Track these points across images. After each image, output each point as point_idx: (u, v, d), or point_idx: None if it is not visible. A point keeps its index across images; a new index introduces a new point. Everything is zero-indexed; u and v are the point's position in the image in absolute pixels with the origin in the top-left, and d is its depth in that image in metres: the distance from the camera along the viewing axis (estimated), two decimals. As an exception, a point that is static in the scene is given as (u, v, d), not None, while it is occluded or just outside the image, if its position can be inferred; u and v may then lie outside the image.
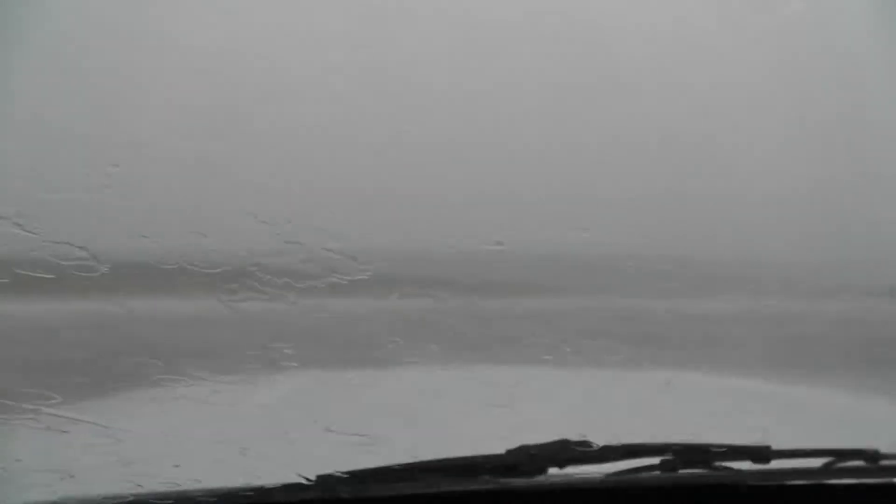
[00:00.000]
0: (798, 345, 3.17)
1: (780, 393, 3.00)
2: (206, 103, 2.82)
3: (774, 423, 2.45)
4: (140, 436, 2.19)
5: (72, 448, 2.11)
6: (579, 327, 2.91)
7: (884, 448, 2.22)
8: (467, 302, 2.73)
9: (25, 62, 2.67)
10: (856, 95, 3.27)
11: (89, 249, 2.23)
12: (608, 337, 2.82)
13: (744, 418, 2.55)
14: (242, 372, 2.39)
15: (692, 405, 2.74)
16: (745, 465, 2.16)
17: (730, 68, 3.21)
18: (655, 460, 2.13)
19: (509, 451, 2.08)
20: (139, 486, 1.98)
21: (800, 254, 2.98)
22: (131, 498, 1.94)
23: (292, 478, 1.99)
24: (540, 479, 2.08)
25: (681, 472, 2.14)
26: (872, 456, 2.22)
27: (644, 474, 2.13)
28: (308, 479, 1.99)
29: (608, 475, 2.10)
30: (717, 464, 2.16)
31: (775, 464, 2.16)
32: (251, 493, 1.99)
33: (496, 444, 2.09)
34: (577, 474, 2.10)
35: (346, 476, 2.00)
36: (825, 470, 2.20)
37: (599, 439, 2.12)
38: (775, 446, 2.17)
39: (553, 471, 2.09)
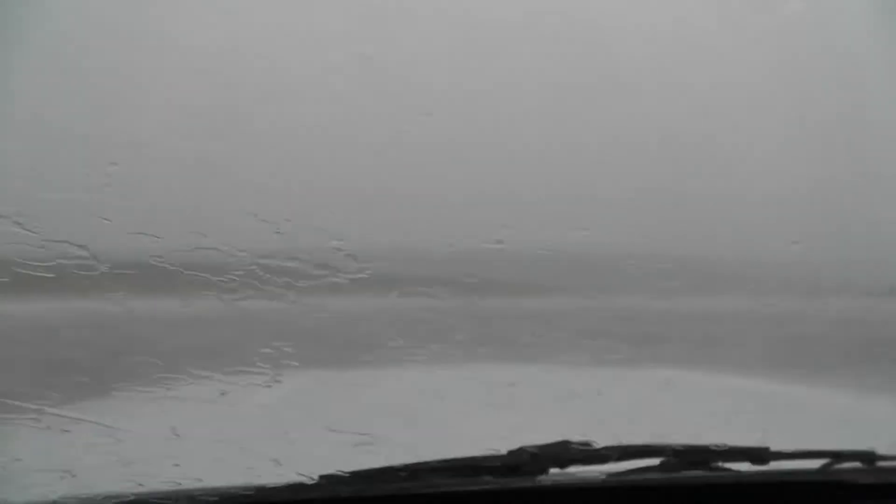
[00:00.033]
0: (798, 344, 3.17)
1: (780, 392, 3.00)
2: (206, 103, 2.82)
3: (774, 423, 2.46)
4: (141, 435, 2.19)
5: (73, 447, 2.11)
6: (579, 327, 2.91)
7: (883, 448, 2.23)
8: (467, 301, 2.73)
9: (25, 62, 2.67)
10: (856, 95, 3.27)
11: (89, 248, 2.23)
12: (608, 336, 2.82)
13: (744, 418, 2.55)
14: (243, 371, 2.39)
15: (692, 405, 2.74)
16: (745, 466, 2.16)
17: (730, 68, 3.21)
18: (655, 461, 2.14)
19: (510, 452, 2.08)
20: (140, 485, 1.98)
21: (800, 253, 2.97)
22: (132, 497, 1.94)
23: (293, 477, 1.99)
24: (541, 479, 2.08)
25: (681, 473, 2.15)
26: (870, 457, 2.23)
27: (644, 475, 2.14)
28: (309, 478, 1.99)
29: (608, 476, 2.10)
30: (717, 464, 2.17)
31: (774, 465, 2.16)
32: (252, 493, 1.99)
33: (497, 443, 2.09)
34: (578, 475, 2.11)
35: (347, 476, 2.00)
36: (823, 471, 2.20)
37: (600, 439, 2.12)
38: (774, 447, 2.17)
39: (554, 471, 2.09)
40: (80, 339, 2.64)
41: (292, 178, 2.73)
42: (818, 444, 2.23)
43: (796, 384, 3.09)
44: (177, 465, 2.06)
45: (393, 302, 2.65)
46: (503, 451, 2.08)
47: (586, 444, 2.11)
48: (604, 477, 2.10)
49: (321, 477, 2.00)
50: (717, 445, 2.16)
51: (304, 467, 2.01)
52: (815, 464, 2.19)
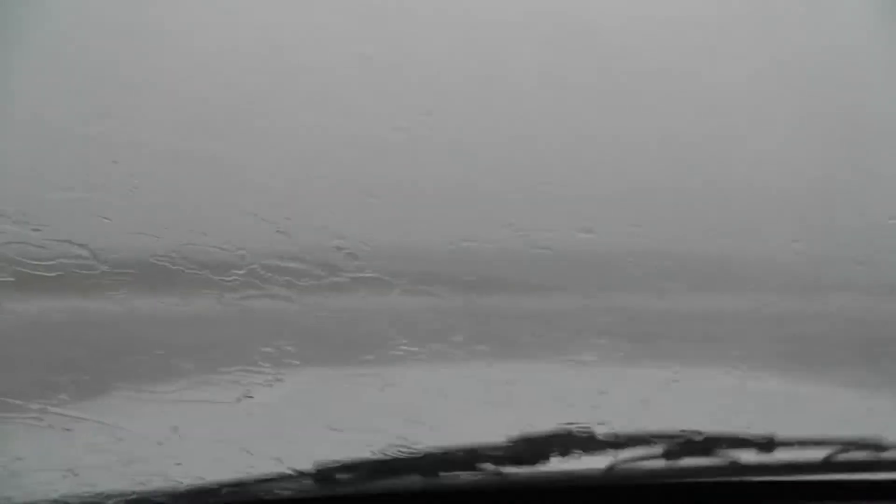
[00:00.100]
0: (799, 343, 3.17)
1: (781, 391, 3.00)
2: (207, 102, 2.82)
3: (775, 422, 2.45)
4: (142, 434, 2.19)
5: (74, 446, 2.12)
6: (580, 325, 2.91)
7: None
8: (467, 300, 2.74)
9: (25, 62, 2.67)
10: (858, 94, 3.28)
11: (90, 248, 2.23)
12: (609, 335, 2.82)
13: (745, 417, 2.54)
14: (244, 370, 2.39)
15: (694, 404, 2.73)
16: (749, 455, 2.16)
17: (731, 67, 3.22)
18: (658, 449, 2.13)
19: (511, 440, 2.08)
20: (141, 483, 1.98)
21: (800, 252, 2.98)
22: (134, 496, 1.94)
23: (292, 473, 1.99)
24: (543, 468, 2.08)
25: (684, 460, 2.14)
26: (875, 446, 2.22)
27: (646, 464, 2.13)
28: (308, 474, 1.99)
29: (610, 466, 2.10)
30: (721, 452, 2.16)
31: (779, 454, 2.16)
32: (252, 492, 1.99)
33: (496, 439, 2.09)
34: (579, 467, 2.10)
35: (345, 468, 2.00)
36: (828, 461, 2.20)
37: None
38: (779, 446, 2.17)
39: (555, 459, 2.09)
40: (81, 338, 2.63)
41: (293, 177, 2.74)
42: (819, 442, 2.23)
43: (797, 383, 3.09)
44: (178, 464, 2.06)
45: (394, 300, 2.65)
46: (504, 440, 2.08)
47: (588, 432, 2.10)
48: (605, 468, 2.10)
49: (321, 472, 1.99)
50: (720, 433, 2.16)
51: (306, 466, 2.01)
52: (820, 453, 2.19)
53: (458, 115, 2.99)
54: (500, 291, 3.02)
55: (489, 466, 2.05)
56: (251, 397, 2.38)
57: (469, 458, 2.06)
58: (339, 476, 2.00)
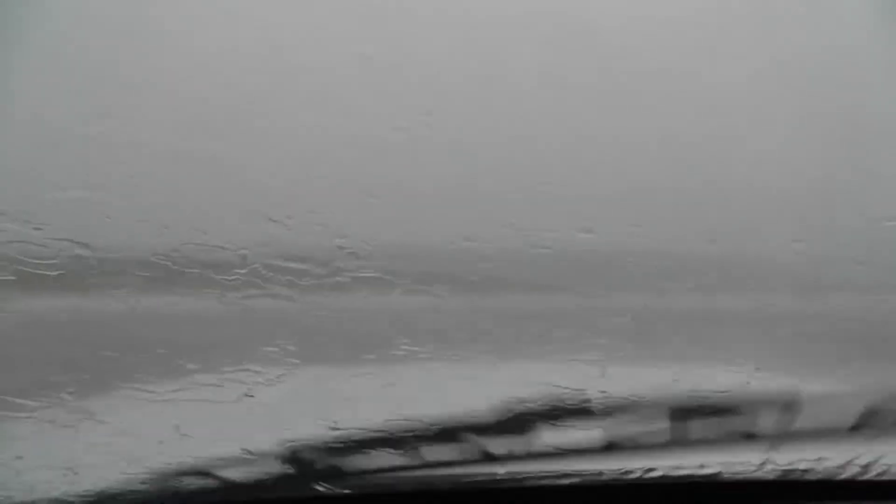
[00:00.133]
0: (799, 342, 3.18)
1: (783, 391, 3.00)
2: (208, 102, 2.82)
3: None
4: (143, 433, 2.19)
5: (75, 445, 2.12)
6: (581, 325, 2.91)
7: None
8: (469, 300, 2.74)
9: (25, 62, 2.67)
10: (859, 93, 3.28)
11: (91, 246, 2.23)
12: (610, 335, 2.82)
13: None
14: (246, 369, 2.39)
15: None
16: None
17: (731, 66, 3.22)
18: (654, 416, 2.10)
19: (494, 410, 2.04)
20: (142, 483, 1.98)
21: (802, 252, 2.98)
22: (135, 495, 1.94)
23: (294, 473, 2.00)
24: (533, 436, 2.05)
25: (687, 423, 2.10)
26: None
27: (645, 442, 2.12)
28: (309, 474, 1.99)
29: (605, 438, 2.08)
30: (735, 413, 2.13)
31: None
32: (253, 491, 1.99)
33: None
34: (573, 437, 2.07)
35: (346, 467, 1.99)
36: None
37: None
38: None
39: (547, 430, 2.06)
40: (82, 336, 2.63)
41: (293, 176, 2.74)
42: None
43: (797, 383, 3.09)
44: (179, 463, 2.06)
45: (395, 300, 2.65)
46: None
47: (582, 397, 2.08)
48: (600, 443, 2.06)
49: (320, 471, 2.00)
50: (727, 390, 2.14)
51: (307, 466, 2.01)
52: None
53: (458, 115, 2.99)
54: (501, 291, 3.02)
55: (476, 438, 2.02)
56: (252, 396, 2.38)
57: (450, 428, 2.03)
58: (340, 476, 2.00)
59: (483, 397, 2.61)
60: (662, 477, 2.14)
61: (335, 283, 2.44)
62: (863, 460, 2.23)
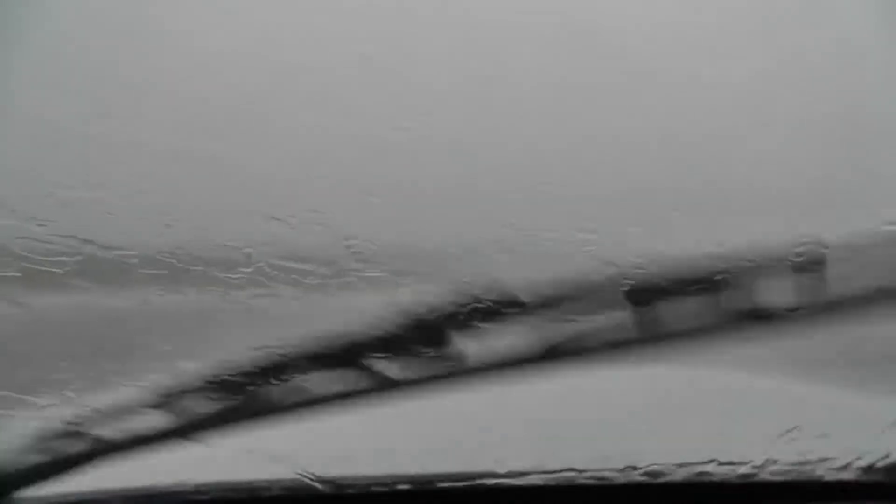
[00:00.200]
0: (800, 343, 3.17)
1: (783, 391, 3.01)
2: (210, 102, 2.83)
3: (777, 421, 2.46)
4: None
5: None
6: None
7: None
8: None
9: (26, 62, 2.67)
10: (858, 93, 3.29)
11: (96, 244, 2.23)
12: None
13: (750, 416, 2.55)
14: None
15: (697, 403, 2.74)
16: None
17: (733, 66, 3.23)
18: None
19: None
20: (144, 482, 1.98)
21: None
22: (136, 494, 1.94)
23: (294, 473, 1.99)
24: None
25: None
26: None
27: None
28: (309, 473, 1.99)
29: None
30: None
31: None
32: (253, 491, 1.99)
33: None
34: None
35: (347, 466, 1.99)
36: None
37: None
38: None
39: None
40: (86, 334, 2.63)
41: (296, 176, 2.74)
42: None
43: (797, 383, 3.10)
44: (180, 462, 2.06)
45: (398, 300, 2.65)
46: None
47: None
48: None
49: (320, 471, 1.99)
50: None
51: (307, 465, 2.01)
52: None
53: (458, 115, 2.99)
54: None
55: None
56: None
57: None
58: (340, 476, 2.00)
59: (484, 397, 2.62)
60: (663, 477, 2.14)
61: (341, 284, 2.43)
62: (865, 461, 2.23)
